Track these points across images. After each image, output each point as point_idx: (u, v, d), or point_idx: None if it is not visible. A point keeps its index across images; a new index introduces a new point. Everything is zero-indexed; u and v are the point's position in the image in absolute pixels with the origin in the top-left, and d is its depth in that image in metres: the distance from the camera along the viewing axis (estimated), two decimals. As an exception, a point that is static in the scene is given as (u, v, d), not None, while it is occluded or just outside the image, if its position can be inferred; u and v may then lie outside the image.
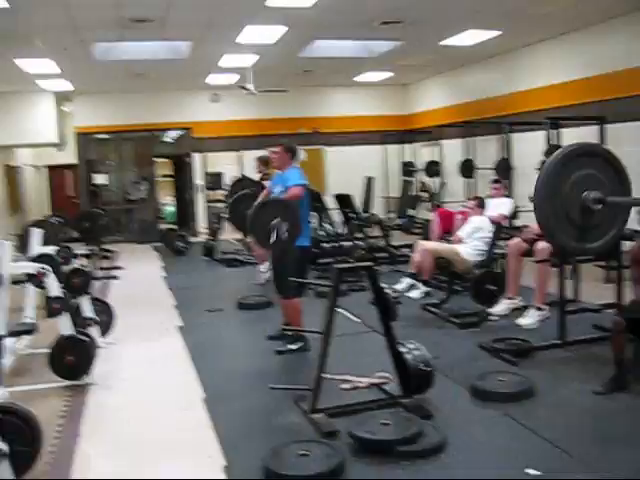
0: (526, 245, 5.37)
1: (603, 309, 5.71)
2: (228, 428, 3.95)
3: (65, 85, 12.51)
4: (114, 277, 9.83)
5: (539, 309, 5.14)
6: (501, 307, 5.51)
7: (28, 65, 10.33)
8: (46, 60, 10.04)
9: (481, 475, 3.30)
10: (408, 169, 14.99)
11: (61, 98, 14.16)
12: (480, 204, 6.91)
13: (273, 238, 4.97)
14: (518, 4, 8.25)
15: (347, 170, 14.63)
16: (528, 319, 5.15)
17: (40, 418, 3.39)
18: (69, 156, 15.15)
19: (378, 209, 14.09)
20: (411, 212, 13.90)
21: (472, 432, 3.82)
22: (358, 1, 7.69)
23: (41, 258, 5.53)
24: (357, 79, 14.26)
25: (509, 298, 5.50)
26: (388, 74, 13.86)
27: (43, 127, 13.52)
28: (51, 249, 6.24)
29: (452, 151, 12.61)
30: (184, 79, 12.92)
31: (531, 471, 3.27)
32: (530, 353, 5.04)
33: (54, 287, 4.81)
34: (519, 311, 5.48)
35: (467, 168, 12.52)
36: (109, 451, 3.78)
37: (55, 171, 17.61)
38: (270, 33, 9.18)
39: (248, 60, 10.62)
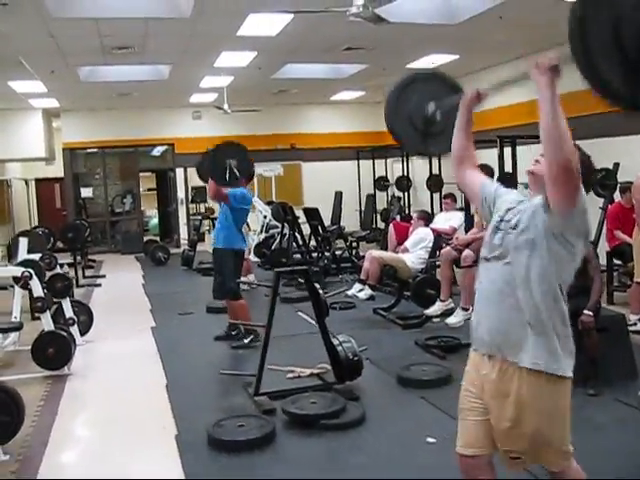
0: (456, 253, 6.07)
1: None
2: (183, 407, 4.62)
3: (52, 103, 13.20)
4: (97, 285, 10.50)
5: (464, 309, 5.83)
6: (434, 308, 6.20)
7: (19, 86, 11.03)
8: (35, 82, 10.73)
9: (389, 442, 4.00)
10: (382, 184, 15.72)
11: (50, 114, 14.82)
12: (421, 217, 7.61)
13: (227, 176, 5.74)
14: (471, 33, 8.99)
15: (323, 184, 15.32)
16: (454, 318, 5.84)
17: (24, 399, 4.03)
18: (59, 170, 15.74)
19: (352, 222, 14.83)
20: (382, 225, 14.59)
21: (390, 411, 4.53)
22: (319, 30, 8.36)
23: (26, 263, 6.17)
24: (333, 98, 15.01)
25: (442, 301, 6.19)
26: (360, 93, 14.64)
27: (32, 142, 14.11)
28: (35, 256, 6.88)
29: (421, 166, 13.30)
30: (167, 98, 13.64)
31: (430, 439, 3.97)
32: (458, 349, 5.74)
33: (37, 288, 5.48)
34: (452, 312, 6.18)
35: (434, 183, 13.23)
36: (82, 425, 4.49)
37: (44, 184, 18.07)
38: (242, 58, 9.94)
39: (225, 81, 11.35)
